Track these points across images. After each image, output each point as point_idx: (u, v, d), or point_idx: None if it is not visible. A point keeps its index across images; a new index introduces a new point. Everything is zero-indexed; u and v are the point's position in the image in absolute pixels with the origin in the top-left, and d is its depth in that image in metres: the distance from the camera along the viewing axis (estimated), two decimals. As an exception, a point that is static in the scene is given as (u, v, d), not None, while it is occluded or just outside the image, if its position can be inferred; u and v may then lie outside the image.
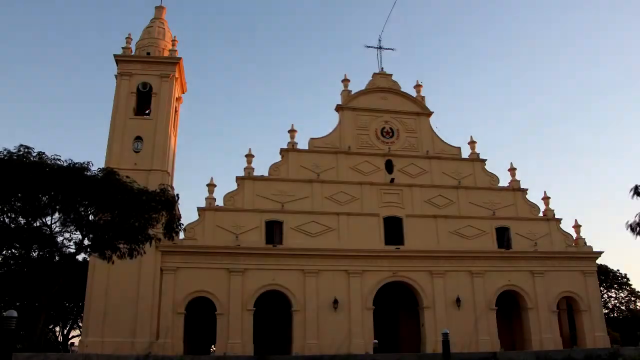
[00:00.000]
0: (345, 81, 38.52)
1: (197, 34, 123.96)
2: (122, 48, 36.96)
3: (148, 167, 33.28)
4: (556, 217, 37.68)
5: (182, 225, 26.41)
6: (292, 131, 36.29)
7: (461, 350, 27.70)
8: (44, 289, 22.66)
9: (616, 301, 52.98)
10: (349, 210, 34.62)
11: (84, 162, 22.19)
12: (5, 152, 21.19)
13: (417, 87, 39.96)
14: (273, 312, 33.32)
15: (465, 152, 38.96)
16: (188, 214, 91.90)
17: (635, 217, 25.03)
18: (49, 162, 21.63)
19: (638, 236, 25.00)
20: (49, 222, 22.71)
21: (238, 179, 34.39)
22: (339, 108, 37.78)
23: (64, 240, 23.08)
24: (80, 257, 28.31)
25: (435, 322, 32.97)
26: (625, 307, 52.50)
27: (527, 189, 38.19)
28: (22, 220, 22.07)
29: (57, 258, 23.37)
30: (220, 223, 32.84)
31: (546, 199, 38.18)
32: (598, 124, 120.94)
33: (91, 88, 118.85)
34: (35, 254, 23.86)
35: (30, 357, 16.31)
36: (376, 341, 28.69)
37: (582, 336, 35.25)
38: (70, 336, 47.64)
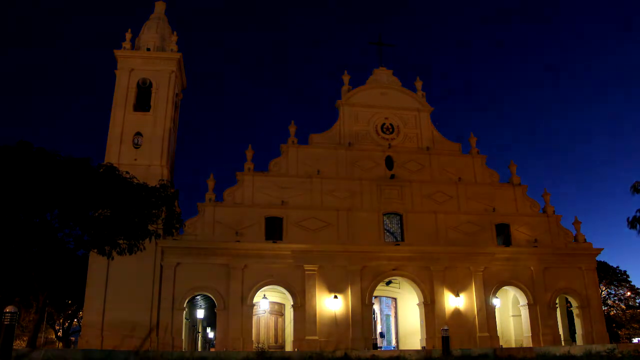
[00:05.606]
0: (346, 77, 38.45)
1: (197, 30, 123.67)
2: (122, 43, 36.88)
3: (148, 163, 33.28)
4: (556, 213, 37.66)
5: (182, 221, 26.46)
6: (292, 127, 36.26)
7: (461, 346, 27.73)
8: (43, 285, 22.67)
9: (615, 298, 53.00)
10: (349, 206, 34.60)
11: (83, 158, 22.19)
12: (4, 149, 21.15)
13: (418, 83, 39.87)
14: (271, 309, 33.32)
15: (466, 149, 38.96)
16: (188, 209, 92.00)
17: (636, 213, 25.07)
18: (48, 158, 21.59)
19: (639, 233, 25.05)
20: (48, 218, 22.70)
21: (238, 174, 34.34)
22: (339, 104, 37.70)
23: (64, 236, 23.10)
24: (80, 252, 28.34)
25: (435, 318, 33.02)
26: (625, 304, 52.51)
27: (527, 186, 38.16)
28: (22, 216, 22.05)
29: (56, 254, 23.39)
30: (220, 219, 32.80)
31: (546, 195, 38.15)
32: (598, 122, 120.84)
33: (91, 84, 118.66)
34: (35, 250, 23.86)
35: (30, 352, 16.31)
36: (375, 337, 28.72)
37: (581, 333, 35.31)
38: (70, 331, 47.73)
